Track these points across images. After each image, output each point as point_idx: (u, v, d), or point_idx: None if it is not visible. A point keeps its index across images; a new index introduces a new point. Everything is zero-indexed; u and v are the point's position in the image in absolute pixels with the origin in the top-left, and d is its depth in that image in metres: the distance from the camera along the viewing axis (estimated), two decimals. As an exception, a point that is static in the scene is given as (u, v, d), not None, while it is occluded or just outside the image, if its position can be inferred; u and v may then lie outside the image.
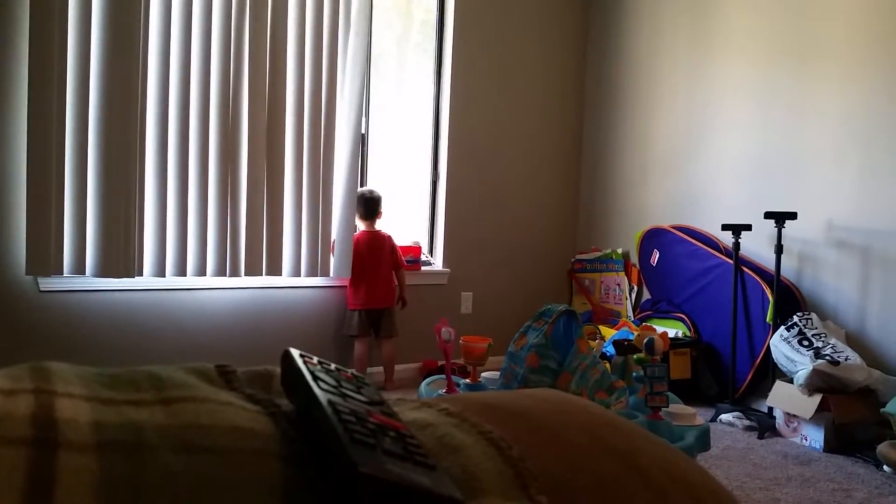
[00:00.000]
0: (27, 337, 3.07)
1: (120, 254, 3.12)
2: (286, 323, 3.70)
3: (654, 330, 2.26)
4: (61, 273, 3.05)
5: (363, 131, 3.90)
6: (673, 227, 4.01)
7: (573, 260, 4.67)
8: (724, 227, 3.57)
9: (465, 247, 4.29)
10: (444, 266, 4.23)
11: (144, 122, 3.20)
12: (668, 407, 2.04)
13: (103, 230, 3.10)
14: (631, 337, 3.59)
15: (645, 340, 2.13)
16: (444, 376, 2.36)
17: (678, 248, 3.94)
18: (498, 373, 2.52)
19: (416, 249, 4.12)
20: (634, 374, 2.25)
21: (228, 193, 3.41)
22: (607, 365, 2.31)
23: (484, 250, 4.37)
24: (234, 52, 3.38)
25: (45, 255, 2.99)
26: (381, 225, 3.88)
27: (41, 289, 3.08)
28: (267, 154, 3.51)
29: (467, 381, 2.40)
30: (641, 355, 2.20)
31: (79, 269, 3.09)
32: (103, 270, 3.12)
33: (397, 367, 3.90)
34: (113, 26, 3.07)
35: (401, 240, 4.03)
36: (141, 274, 3.23)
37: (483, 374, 2.49)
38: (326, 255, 3.71)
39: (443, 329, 2.29)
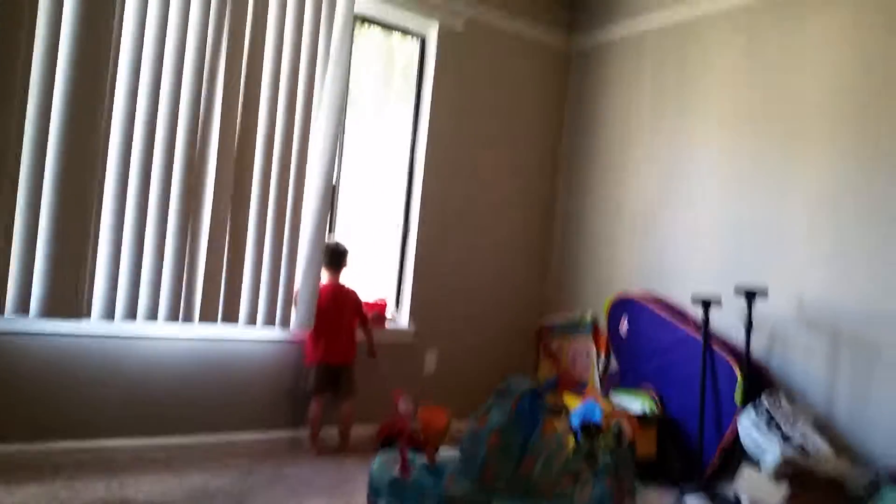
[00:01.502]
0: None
1: (69, 292, 2.95)
2: (240, 377, 3.54)
3: (622, 413, 2.15)
4: (2, 312, 2.86)
5: (334, 182, 3.80)
6: (642, 296, 3.96)
7: (542, 325, 4.58)
8: (694, 301, 3.52)
9: (432, 304, 4.18)
10: (410, 324, 4.11)
11: (106, 149, 3.06)
12: (633, 498, 1.93)
13: (53, 266, 2.94)
14: (597, 410, 3.49)
15: (612, 426, 2.03)
16: (399, 450, 2.22)
17: (646, 317, 3.87)
18: (457, 450, 2.39)
19: (381, 306, 4.00)
20: (601, 461, 2.14)
21: (189, 232, 3.27)
22: (572, 440, 2.20)
23: (451, 309, 4.26)
24: (206, 85, 3.29)
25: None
26: (344, 278, 3.76)
27: (-21, 329, 2.89)
28: (233, 195, 3.39)
29: (424, 460, 2.26)
30: (607, 439, 2.09)
31: (23, 307, 2.90)
32: (50, 309, 2.94)
33: (353, 429, 3.73)
34: (80, 53, 2.96)
35: (366, 295, 3.91)
36: (89, 314, 3.05)
37: (442, 453, 2.35)
38: (287, 305, 3.57)
39: (401, 399, 2.17)
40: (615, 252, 4.29)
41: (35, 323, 2.99)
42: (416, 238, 4.13)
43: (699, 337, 3.50)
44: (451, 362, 4.25)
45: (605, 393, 3.96)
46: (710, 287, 3.64)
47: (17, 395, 2.98)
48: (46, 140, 2.93)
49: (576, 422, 3.50)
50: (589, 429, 2.17)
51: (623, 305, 4.01)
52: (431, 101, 4.15)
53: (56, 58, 2.93)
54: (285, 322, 3.55)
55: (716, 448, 3.39)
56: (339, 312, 3.66)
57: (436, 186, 4.17)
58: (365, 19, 4.04)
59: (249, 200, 3.44)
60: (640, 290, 4.06)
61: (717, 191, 3.77)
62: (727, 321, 3.57)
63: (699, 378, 3.44)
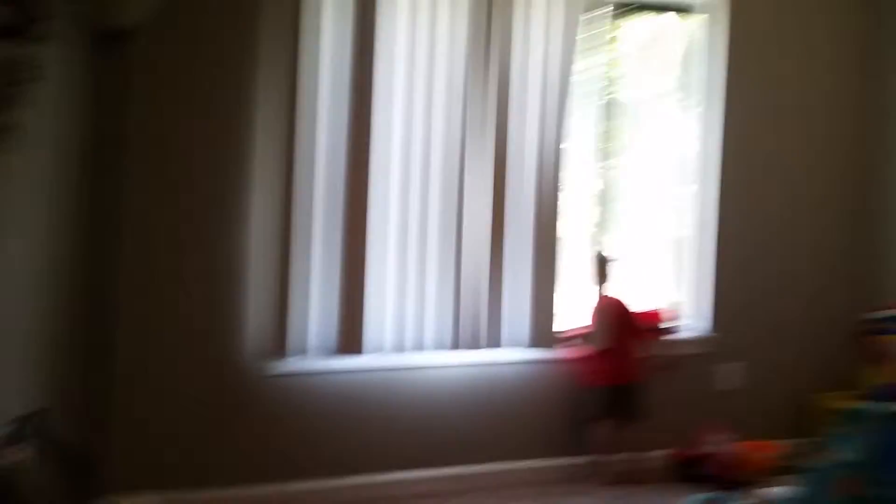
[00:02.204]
0: (255, 421, 3.01)
1: (346, 331, 3.01)
2: (515, 403, 3.32)
3: None
4: (285, 356, 2.98)
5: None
6: None
7: (862, 319, 3.75)
8: None
9: (729, 309, 3.62)
10: (703, 332, 3.62)
11: (370, 192, 3.06)
12: None
13: (330, 308, 3.01)
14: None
15: None
16: (712, 496, 1.80)
17: None
18: (784, 488, 1.89)
19: (656, 315, 3.54)
20: None
21: (461, 261, 3.18)
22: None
23: (752, 312, 3.66)
24: (463, 111, 3.16)
25: (270, 337, 2.95)
26: (613, 289, 3.42)
27: (267, 373, 3.03)
28: (492, 215, 3.23)
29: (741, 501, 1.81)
30: None
31: (302, 348, 3.00)
32: (330, 349, 3.02)
33: (645, 456, 3.34)
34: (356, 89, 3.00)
35: (642, 305, 3.50)
36: (370, 351, 3.07)
37: (764, 490, 1.88)
38: (551, 324, 3.31)
39: (710, 436, 1.75)
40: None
41: (316, 362, 3.06)
42: (716, 233, 3.63)
43: None
44: (756, 376, 3.63)
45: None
46: None
47: (306, 434, 3.06)
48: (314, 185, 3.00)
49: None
50: None
51: None
52: (726, 84, 3.61)
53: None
54: (560, 342, 3.35)
55: None
56: (616, 327, 3.33)
57: (738, 176, 3.64)
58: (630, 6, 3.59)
59: (504, 218, 3.25)
60: None
61: None
62: None
63: None
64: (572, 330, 3.37)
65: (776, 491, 1.90)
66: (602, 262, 3.40)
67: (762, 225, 3.70)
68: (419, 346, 3.14)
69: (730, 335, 3.60)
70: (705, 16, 3.66)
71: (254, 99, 2.94)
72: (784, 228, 3.73)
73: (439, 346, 3.16)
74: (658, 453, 3.41)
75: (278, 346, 2.96)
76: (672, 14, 3.68)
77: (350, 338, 3.01)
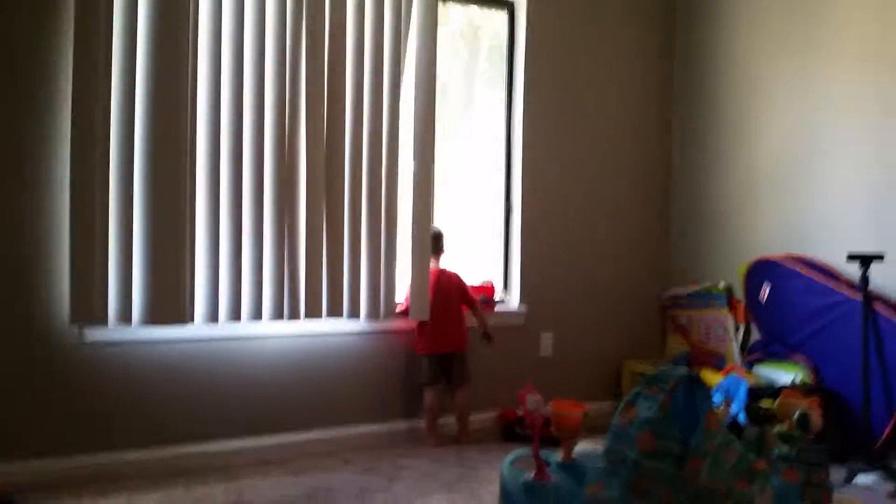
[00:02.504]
0: (76, 389, 2.83)
1: (169, 299, 2.86)
2: (350, 370, 3.38)
3: (800, 397, 1.79)
4: (106, 322, 2.81)
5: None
6: (785, 258, 3.50)
7: (666, 295, 4.19)
8: (851, 258, 3.06)
9: (544, 283, 3.88)
10: (520, 305, 3.83)
11: (193, 151, 2.94)
12: (830, 502, 1.58)
13: (152, 273, 2.85)
14: (742, 386, 3.12)
15: (796, 415, 1.68)
16: (530, 450, 1.96)
17: (793, 282, 3.42)
18: (595, 446, 2.11)
19: (489, 289, 3.75)
20: (775, 451, 1.79)
21: (286, 229, 3.12)
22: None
23: (564, 286, 3.94)
24: (290, 79, 3.12)
25: (89, 303, 2.75)
26: (444, 262, 3.54)
27: (86, 340, 2.84)
28: (326, 187, 3.21)
29: (559, 458, 1.99)
30: (783, 428, 1.75)
31: (125, 316, 2.84)
32: (152, 316, 2.86)
33: (471, 418, 3.52)
34: (159, 64, 2.85)
35: (472, 279, 3.67)
36: (192, 320, 2.96)
37: (578, 448, 2.08)
38: (390, 296, 3.38)
39: (528, 396, 1.90)
40: (748, 212, 3.83)
41: (140, 331, 2.91)
42: (519, 213, 3.83)
43: (858, 299, 3.05)
44: (569, 344, 3.95)
45: (748, 366, 3.55)
46: (868, 245, 3.16)
47: (130, 404, 2.92)
48: (133, 147, 2.83)
49: (717, 399, 3.14)
50: (756, 412, 1.82)
51: (763, 270, 3.57)
52: (525, 73, 3.82)
53: (135, 53, 2.82)
54: (390, 313, 3.37)
55: (887, 419, 2.97)
56: (444, 298, 3.45)
57: (538, 159, 3.86)
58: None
59: (343, 192, 3.25)
60: (779, 253, 3.59)
61: (863, 132, 3.27)
62: (891, 281, 3.10)
63: (860, 344, 3.01)
64: (405, 302, 3.44)
65: (587, 447, 2.10)
66: (436, 239, 3.50)
67: (565, 203, 3.94)
68: (256, 317, 3.07)
69: (535, 308, 3.85)
70: (508, 11, 3.88)
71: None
72: (587, 207, 4.01)
73: (275, 317, 3.10)
74: (486, 415, 3.63)
75: (98, 313, 2.78)
76: (487, 6, 3.86)
77: (175, 307, 2.88)
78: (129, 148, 2.83)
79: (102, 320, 2.80)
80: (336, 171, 3.24)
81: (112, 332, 2.87)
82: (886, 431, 2.98)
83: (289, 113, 3.12)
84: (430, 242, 3.47)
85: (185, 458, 2.99)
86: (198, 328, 3.00)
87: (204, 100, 2.97)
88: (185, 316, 2.91)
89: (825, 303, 3.28)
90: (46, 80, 2.77)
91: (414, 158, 3.44)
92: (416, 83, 3.43)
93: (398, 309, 3.43)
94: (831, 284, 3.27)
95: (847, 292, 3.19)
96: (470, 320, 3.54)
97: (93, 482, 2.76)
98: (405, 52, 3.40)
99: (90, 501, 2.58)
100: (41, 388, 2.79)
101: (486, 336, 3.54)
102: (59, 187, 2.78)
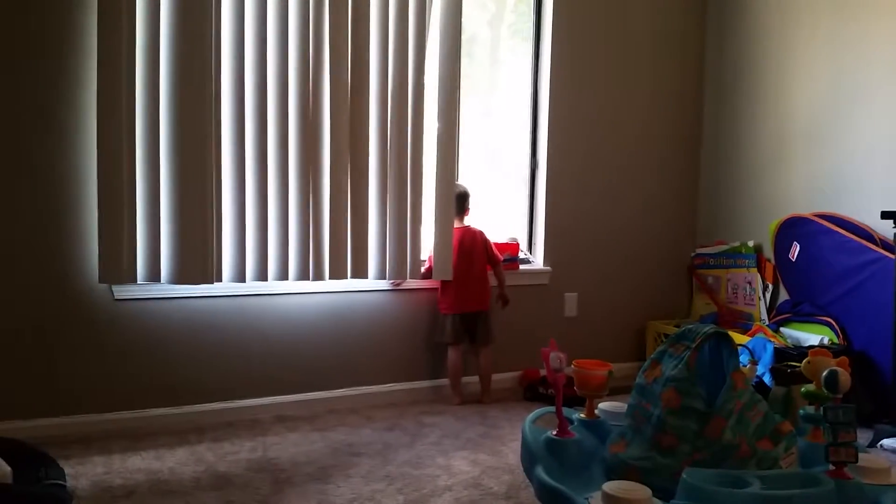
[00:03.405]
0: (104, 346, 2.89)
1: (197, 260, 2.89)
2: (373, 329, 3.40)
3: (829, 356, 1.76)
4: (135, 281, 2.85)
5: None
6: (817, 216, 3.42)
7: (693, 255, 4.13)
8: (885, 215, 2.98)
9: (569, 242, 3.85)
10: (544, 264, 3.80)
11: (219, 120, 2.93)
12: (856, 461, 1.56)
13: (179, 234, 2.87)
14: (769, 346, 3.07)
15: (825, 374, 1.65)
16: (552, 408, 1.95)
17: (824, 240, 3.35)
18: (618, 404, 2.09)
19: (514, 247, 3.72)
20: (801, 410, 1.76)
21: (311, 193, 3.11)
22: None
23: (590, 246, 3.91)
24: (314, 35, 3.07)
25: (118, 263, 2.78)
26: (469, 221, 3.51)
27: (116, 297, 2.89)
28: (350, 149, 3.18)
29: (581, 415, 1.98)
30: (810, 387, 1.72)
31: (153, 276, 2.87)
32: (180, 276, 2.90)
33: (494, 377, 3.53)
34: (184, 29, 2.82)
35: (497, 237, 3.64)
36: (220, 280, 2.99)
37: (601, 405, 2.07)
38: (416, 257, 3.37)
39: (551, 354, 1.89)
40: (779, 170, 3.74)
41: (167, 288, 2.95)
42: (545, 172, 3.78)
43: (891, 257, 2.98)
44: (594, 304, 3.92)
45: (775, 327, 3.51)
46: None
47: (159, 361, 2.97)
48: (158, 111, 2.83)
49: (744, 359, 3.10)
50: (783, 372, 1.79)
51: (793, 228, 3.50)
52: (553, 20, 3.72)
53: (159, 26, 2.80)
54: (415, 273, 3.36)
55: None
56: (468, 257, 3.43)
57: (565, 115, 3.78)
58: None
59: (368, 152, 3.23)
60: (809, 212, 3.51)
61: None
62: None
63: (892, 304, 2.94)
64: (428, 261, 3.43)
65: (612, 405, 2.09)
66: (461, 198, 3.46)
67: (591, 167, 3.88)
68: (281, 278, 3.08)
69: (560, 268, 3.82)
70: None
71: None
72: (614, 171, 3.95)
73: (300, 278, 3.11)
74: (508, 375, 3.64)
75: (127, 273, 2.81)
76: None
77: (202, 268, 2.89)
78: (154, 111, 2.83)
79: (131, 279, 2.83)
80: (361, 130, 3.21)
81: (140, 289, 2.91)
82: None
83: (313, 71, 3.09)
84: (455, 202, 3.44)
85: (211, 415, 3.05)
86: (225, 285, 3.03)
87: (228, 60, 2.95)
88: (211, 277, 2.93)
89: (858, 262, 3.21)
90: (73, 42, 2.76)
91: (438, 118, 3.39)
92: (440, 37, 3.37)
93: (423, 268, 3.42)
94: (865, 243, 3.19)
95: (880, 250, 3.11)
96: (491, 279, 3.52)
97: (122, 438, 2.82)
98: (431, 3, 3.33)
99: (120, 457, 2.64)
100: (71, 345, 2.84)
101: (503, 298, 3.52)
102: (87, 152, 2.79)
